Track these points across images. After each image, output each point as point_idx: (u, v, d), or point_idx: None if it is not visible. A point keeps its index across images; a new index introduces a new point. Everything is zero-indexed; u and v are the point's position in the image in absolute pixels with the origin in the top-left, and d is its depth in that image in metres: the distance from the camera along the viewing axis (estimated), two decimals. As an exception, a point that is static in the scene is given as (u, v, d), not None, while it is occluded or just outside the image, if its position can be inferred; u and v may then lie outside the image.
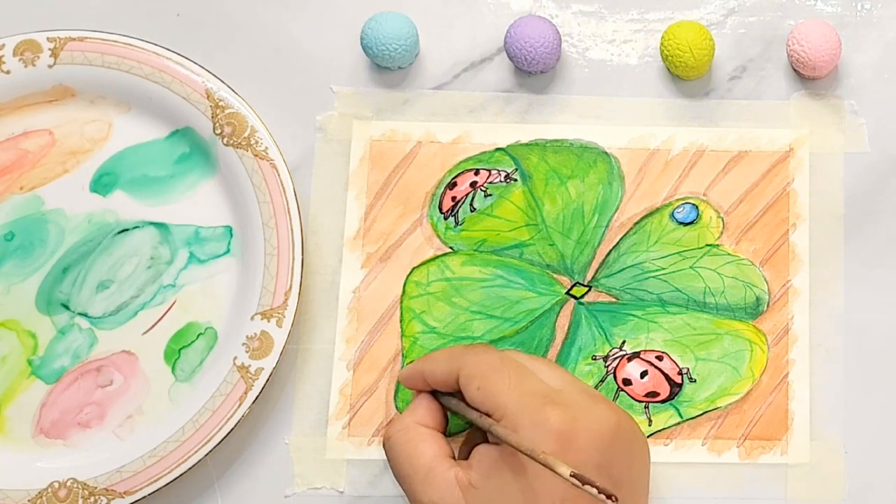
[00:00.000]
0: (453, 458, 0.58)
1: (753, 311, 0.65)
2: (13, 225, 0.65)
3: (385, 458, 0.61)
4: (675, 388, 0.64)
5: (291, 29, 0.69)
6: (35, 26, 0.67)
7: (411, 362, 0.62)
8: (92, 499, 0.60)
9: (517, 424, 0.55)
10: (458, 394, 0.59)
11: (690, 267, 0.65)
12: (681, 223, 0.66)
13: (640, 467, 0.58)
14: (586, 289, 0.65)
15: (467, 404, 0.58)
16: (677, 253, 0.66)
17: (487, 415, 0.56)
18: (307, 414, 0.64)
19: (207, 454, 0.61)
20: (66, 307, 0.64)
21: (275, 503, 0.63)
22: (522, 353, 0.60)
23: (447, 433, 0.61)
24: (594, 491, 0.50)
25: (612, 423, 0.56)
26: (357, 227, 0.66)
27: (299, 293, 0.62)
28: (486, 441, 0.58)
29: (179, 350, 0.63)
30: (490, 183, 0.66)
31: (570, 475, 0.51)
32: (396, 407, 0.64)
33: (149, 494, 0.60)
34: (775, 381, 0.64)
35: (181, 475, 0.60)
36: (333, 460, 0.63)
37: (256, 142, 0.64)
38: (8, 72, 0.65)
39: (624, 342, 0.64)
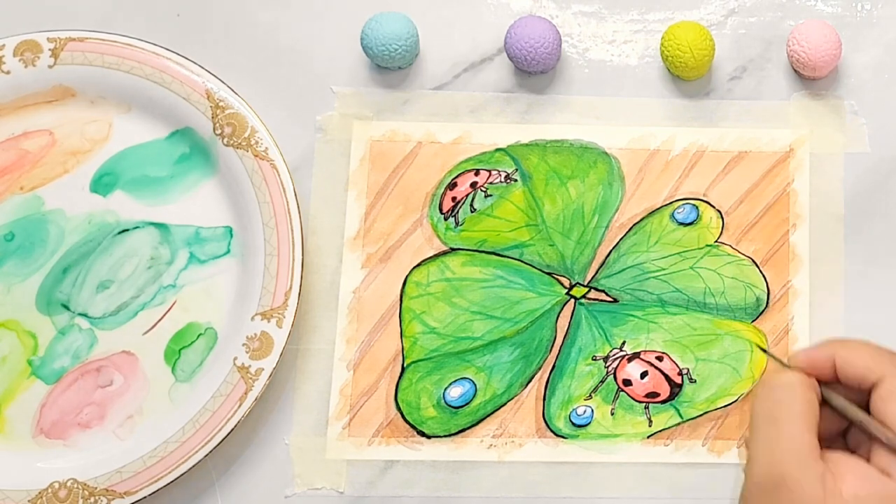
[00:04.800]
0: None
1: (753, 311, 0.65)
2: (13, 225, 0.65)
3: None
4: (676, 388, 0.64)
5: (291, 29, 0.69)
6: (35, 26, 0.67)
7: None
8: (92, 499, 0.60)
9: None
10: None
11: (690, 267, 0.65)
12: (681, 223, 0.66)
13: None
14: (586, 289, 0.65)
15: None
16: (677, 253, 0.66)
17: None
18: (307, 414, 0.64)
19: (207, 454, 0.61)
20: (67, 307, 0.64)
21: (275, 503, 0.63)
22: None
23: None
24: None
25: None
26: (357, 227, 0.66)
27: (299, 293, 0.62)
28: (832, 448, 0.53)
29: (180, 350, 0.63)
30: (490, 183, 0.66)
31: None
32: (397, 407, 0.64)
33: (149, 495, 0.60)
34: (775, 381, 0.64)
35: (181, 475, 0.60)
36: (333, 460, 0.63)
37: (256, 142, 0.64)
38: (8, 72, 0.65)
39: (624, 342, 0.64)
